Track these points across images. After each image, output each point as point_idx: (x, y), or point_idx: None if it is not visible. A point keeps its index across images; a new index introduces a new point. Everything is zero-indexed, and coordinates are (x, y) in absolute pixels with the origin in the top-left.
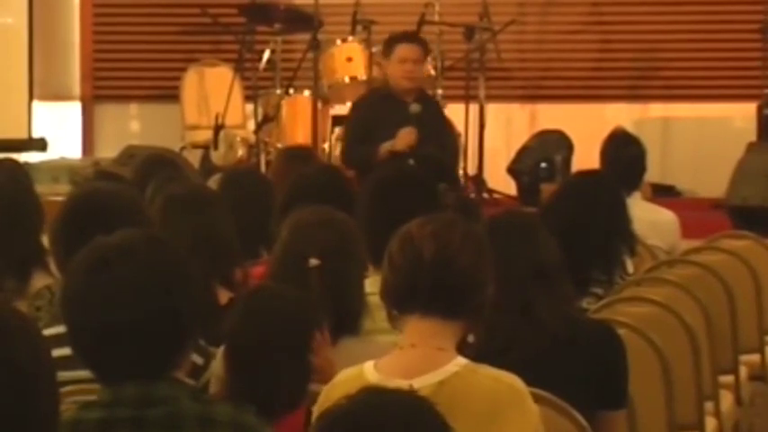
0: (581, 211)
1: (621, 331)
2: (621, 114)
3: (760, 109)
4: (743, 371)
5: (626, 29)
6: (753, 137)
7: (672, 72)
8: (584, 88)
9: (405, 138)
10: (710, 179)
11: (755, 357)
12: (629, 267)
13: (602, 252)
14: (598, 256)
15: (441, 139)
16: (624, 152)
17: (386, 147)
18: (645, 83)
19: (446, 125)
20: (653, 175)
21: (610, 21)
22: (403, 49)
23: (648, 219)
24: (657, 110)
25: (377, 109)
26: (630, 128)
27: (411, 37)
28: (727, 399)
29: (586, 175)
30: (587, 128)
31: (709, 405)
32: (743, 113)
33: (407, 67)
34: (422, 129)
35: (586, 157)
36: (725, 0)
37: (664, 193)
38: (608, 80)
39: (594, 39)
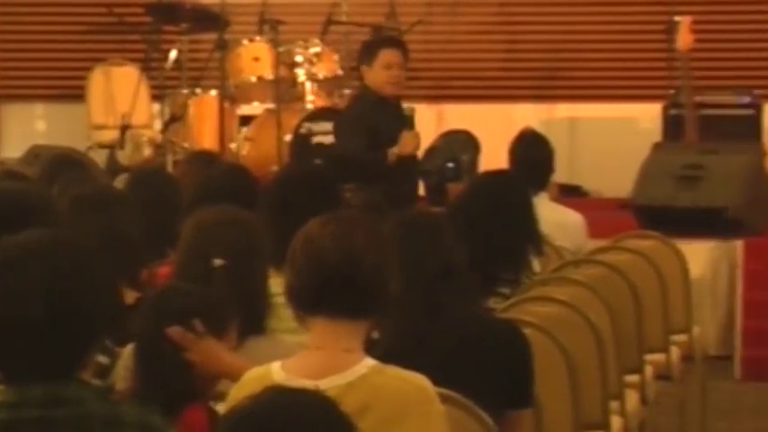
0: (488, 211)
1: (528, 331)
2: (528, 114)
3: (665, 109)
4: (648, 370)
5: (533, 29)
6: (658, 137)
7: (578, 72)
8: (491, 88)
9: (411, 142)
10: (617, 179)
11: (660, 357)
12: (536, 267)
13: (509, 252)
14: (505, 256)
15: None
16: (532, 152)
17: (393, 152)
18: (552, 83)
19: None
20: (560, 175)
21: (517, 21)
22: (388, 55)
23: (555, 219)
24: (564, 110)
25: (374, 113)
26: (537, 128)
27: (394, 41)
28: (632, 398)
29: (494, 175)
30: (494, 128)
31: (614, 404)
32: (648, 114)
33: (393, 73)
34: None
35: (493, 158)
36: (630, 1)
37: (570, 194)
38: (515, 80)
39: (502, 39)
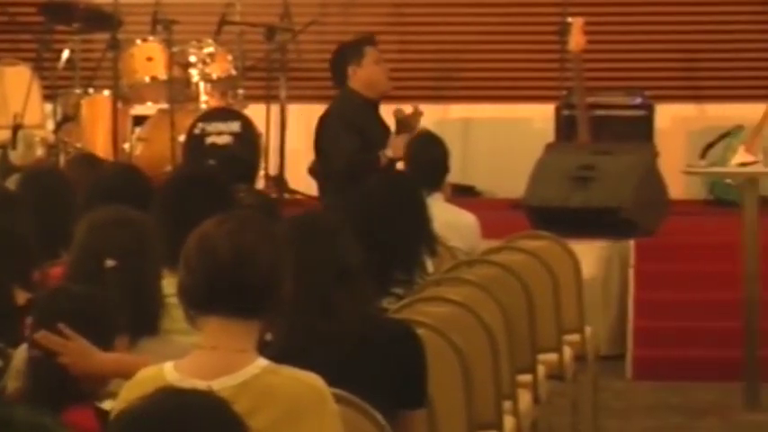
0: (383, 211)
1: (421, 331)
2: (423, 115)
3: (558, 110)
4: (541, 370)
5: (426, 30)
6: (551, 138)
7: (472, 73)
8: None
9: (400, 146)
10: (510, 180)
11: (553, 356)
12: (430, 268)
13: (403, 252)
14: (399, 257)
15: None
16: (426, 153)
17: (385, 154)
18: (445, 84)
19: None
20: (453, 175)
21: (410, 22)
22: (373, 52)
23: (449, 219)
24: (458, 111)
25: (361, 115)
26: (431, 128)
27: (372, 40)
28: (525, 397)
29: (389, 175)
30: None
31: (507, 404)
32: (541, 114)
33: (384, 67)
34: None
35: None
36: (523, 2)
37: (464, 194)
38: (409, 81)
39: (395, 40)
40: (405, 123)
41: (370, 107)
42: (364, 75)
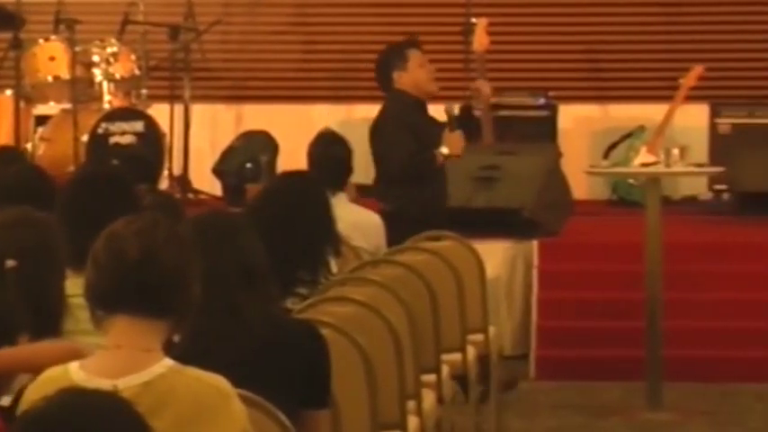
0: (286, 211)
1: (325, 331)
2: (327, 115)
3: (462, 110)
4: (445, 370)
5: (331, 30)
6: None
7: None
8: (289, 89)
9: (457, 143)
10: None
11: (457, 356)
12: (334, 268)
13: (307, 252)
14: (303, 257)
15: None
16: (330, 153)
17: (441, 152)
18: (350, 84)
19: None
20: (358, 175)
21: (315, 22)
22: (417, 55)
23: (353, 219)
24: (362, 111)
25: (414, 116)
26: (336, 128)
27: (414, 42)
28: (429, 397)
29: (292, 175)
30: (293, 128)
31: (411, 404)
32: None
33: (430, 69)
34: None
35: (292, 158)
36: (427, 2)
37: (368, 194)
38: (313, 81)
39: (299, 40)
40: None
41: (419, 107)
42: (410, 79)
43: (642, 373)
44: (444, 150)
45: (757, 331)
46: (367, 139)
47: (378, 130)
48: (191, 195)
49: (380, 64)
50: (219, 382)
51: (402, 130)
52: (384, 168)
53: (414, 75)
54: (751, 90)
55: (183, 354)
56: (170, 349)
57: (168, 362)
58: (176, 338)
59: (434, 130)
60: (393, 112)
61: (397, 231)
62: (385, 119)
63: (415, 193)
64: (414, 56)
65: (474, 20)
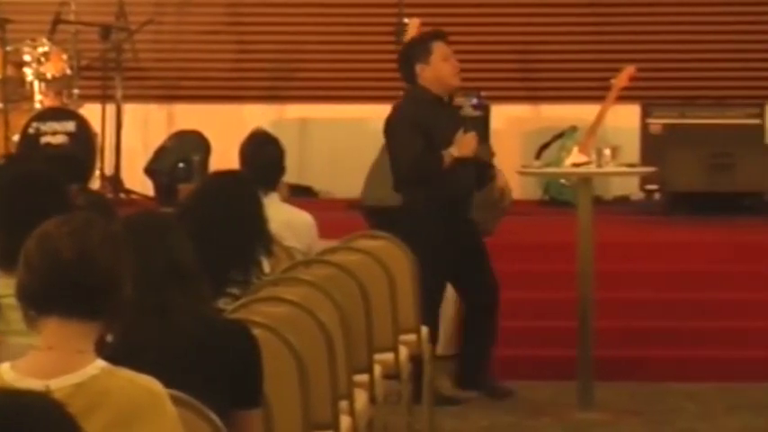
0: (218, 211)
1: (258, 331)
2: (259, 115)
3: None
4: (377, 369)
5: (263, 30)
6: None
7: (309, 73)
8: (222, 89)
9: (468, 144)
10: (347, 180)
11: (389, 356)
12: (266, 268)
13: (240, 252)
14: (235, 257)
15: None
16: (262, 153)
17: (449, 153)
18: (282, 84)
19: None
20: (291, 175)
21: (247, 22)
22: (442, 47)
23: (285, 219)
24: (295, 110)
25: (427, 114)
26: (268, 128)
27: (440, 34)
28: (361, 397)
29: (223, 174)
30: (225, 128)
31: (343, 404)
32: (378, 115)
33: (454, 63)
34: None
35: (224, 158)
36: (360, 2)
37: (301, 194)
38: (246, 81)
39: (232, 39)
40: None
41: (438, 105)
42: (432, 72)
43: (573, 373)
44: (454, 152)
45: (688, 330)
46: (300, 138)
47: (390, 129)
48: (123, 195)
49: (404, 56)
50: (152, 383)
51: (412, 130)
52: (395, 167)
53: (436, 68)
54: (682, 90)
55: (114, 354)
56: (102, 349)
57: (101, 363)
58: (108, 339)
59: (449, 130)
60: (405, 112)
61: (408, 228)
62: (398, 118)
63: (424, 192)
64: (438, 48)
65: (406, 20)
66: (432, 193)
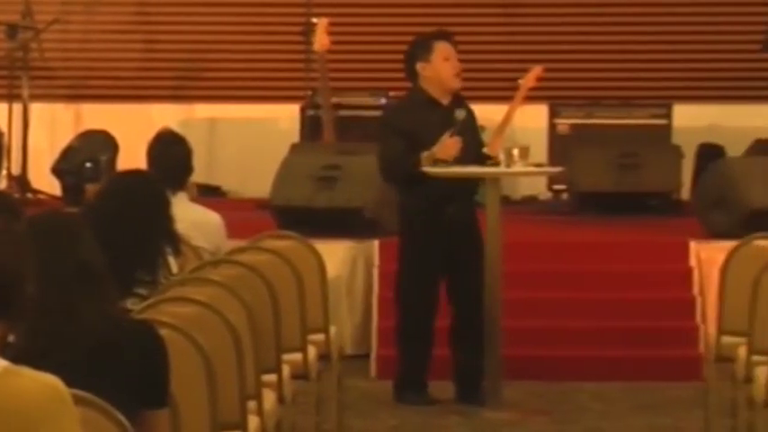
0: (124, 210)
1: (165, 331)
2: (167, 114)
3: (303, 110)
4: (286, 369)
5: (172, 29)
6: (296, 138)
7: (217, 73)
8: (130, 88)
9: (449, 147)
10: (255, 180)
11: (298, 356)
12: (174, 268)
13: (147, 252)
14: (142, 257)
15: (477, 145)
16: (170, 152)
17: (427, 155)
18: (190, 83)
19: (478, 130)
20: (199, 175)
21: (156, 21)
22: (443, 46)
23: (194, 219)
24: (203, 110)
25: (418, 114)
26: (177, 128)
27: (444, 34)
28: (269, 397)
29: (130, 174)
30: (133, 128)
31: (251, 404)
32: (287, 114)
33: (455, 64)
34: (464, 135)
35: (132, 158)
36: (268, 2)
37: (209, 194)
38: (154, 80)
39: (140, 39)
40: None
41: (433, 106)
42: (432, 71)
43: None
44: (428, 153)
45: (595, 330)
46: (209, 138)
47: (378, 127)
48: (29, 195)
49: (407, 54)
50: (56, 383)
51: (393, 132)
52: (378, 166)
53: (437, 67)
54: (589, 91)
55: (18, 354)
56: (5, 350)
57: (3, 363)
58: (11, 339)
59: (438, 132)
60: (395, 112)
61: (400, 227)
62: (385, 117)
63: (407, 190)
64: (439, 48)
65: (315, 20)
66: (413, 194)
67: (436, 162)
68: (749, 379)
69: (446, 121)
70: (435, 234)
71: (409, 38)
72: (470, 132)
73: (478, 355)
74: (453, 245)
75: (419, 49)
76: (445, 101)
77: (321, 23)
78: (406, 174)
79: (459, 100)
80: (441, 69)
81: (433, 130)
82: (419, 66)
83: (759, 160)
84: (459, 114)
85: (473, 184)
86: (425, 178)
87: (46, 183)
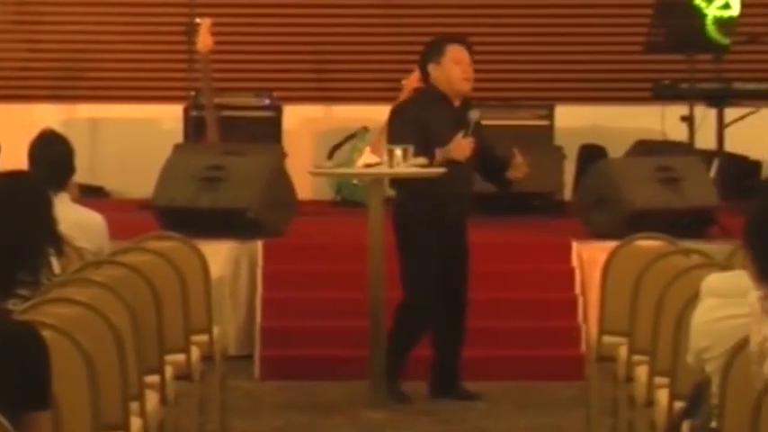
0: (5, 211)
1: (47, 332)
2: (49, 114)
3: (186, 111)
4: (169, 370)
5: (54, 29)
6: (180, 138)
7: (100, 73)
8: (10, 88)
9: (463, 148)
10: (139, 180)
11: (181, 357)
12: (56, 268)
13: (28, 253)
14: (24, 258)
15: (487, 147)
16: (51, 152)
17: (441, 153)
18: (72, 83)
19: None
20: (81, 175)
21: (37, 20)
22: (456, 50)
23: (76, 220)
24: (85, 110)
25: (431, 108)
26: (58, 128)
27: (459, 39)
28: (152, 398)
29: (10, 175)
30: (14, 128)
31: (134, 405)
32: (170, 115)
33: (465, 68)
34: (476, 137)
35: (13, 158)
36: (151, 2)
37: (92, 194)
38: (35, 80)
39: (21, 38)
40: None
41: (446, 103)
42: (442, 74)
43: (365, 373)
44: (442, 152)
45: (479, 330)
46: (91, 138)
47: (390, 119)
48: None
49: (421, 55)
50: None
51: (410, 123)
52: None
53: (446, 70)
54: (472, 92)
55: None
56: None
57: None
58: None
59: (449, 130)
60: (409, 103)
61: (404, 222)
62: (399, 108)
63: (416, 187)
64: (451, 51)
65: (198, 20)
66: (418, 191)
67: (449, 161)
68: (630, 378)
69: (458, 120)
70: (434, 234)
71: (293, 38)
72: (480, 133)
73: (456, 354)
74: (449, 246)
75: (432, 50)
76: (456, 102)
77: (204, 24)
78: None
79: (468, 104)
80: (450, 72)
81: (444, 127)
82: (430, 67)
83: (640, 161)
84: (473, 115)
85: (470, 185)
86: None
87: None
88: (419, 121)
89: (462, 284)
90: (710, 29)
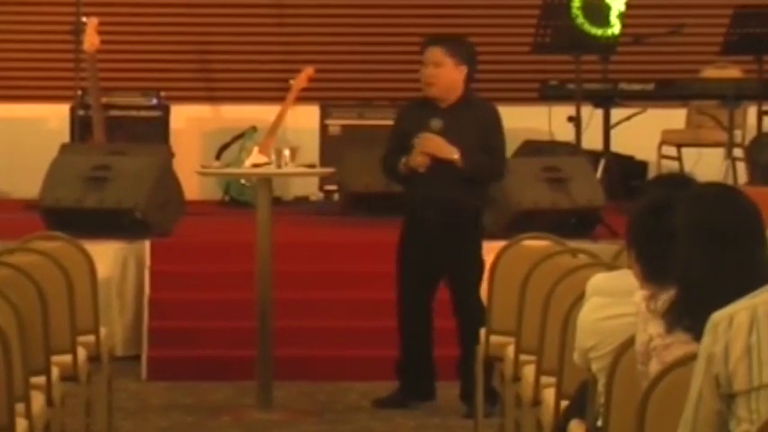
0: None
1: None
2: None
3: (73, 110)
4: (55, 371)
5: None
6: (66, 138)
7: None
8: None
9: (418, 159)
10: (24, 180)
11: (67, 358)
12: None
13: None
14: None
15: (484, 144)
16: None
17: (404, 161)
18: None
19: (491, 129)
20: None
21: None
22: (426, 52)
23: None
24: None
25: (409, 117)
26: None
27: (436, 39)
28: (38, 400)
29: None
30: None
31: (20, 406)
32: (56, 114)
33: (425, 71)
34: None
35: None
36: (37, 1)
37: None
38: None
39: None
40: None
41: (424, 108)
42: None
43: (253, 373)
44: (405, 159)
45: (365, 330)
46: None
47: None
48: None
49: None
50: None
51: (392, 130)
52: None
53: (421, 72)
54: (360, 92)
55: None
56: None
57: None
58: None
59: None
60: (399, 110)
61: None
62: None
63: (404, 191)
64: (425, 54)
65: (84, 19)
66: (404, 195)
67: (410, 169)
68: (517, 378)
69: (424, 126)
70: (416, 238)
71: (180, 38)
72: (459, 135)
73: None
74: (434, 249)
75: (421, 52)
76: (442, 103)
77: (91, 23)
78: (388, 175)
79: (466, 103)
80: (421, 75)
81: (415, 133)
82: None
83: (528, 161)
84: (435, 124)
85: (449, 188)
86: (406, 181)
87: None
88: (398, 127)
89: (461, 292)
90: (583, 23)
